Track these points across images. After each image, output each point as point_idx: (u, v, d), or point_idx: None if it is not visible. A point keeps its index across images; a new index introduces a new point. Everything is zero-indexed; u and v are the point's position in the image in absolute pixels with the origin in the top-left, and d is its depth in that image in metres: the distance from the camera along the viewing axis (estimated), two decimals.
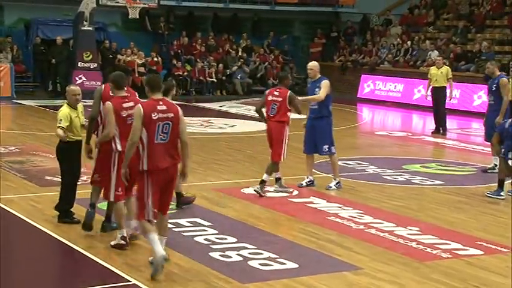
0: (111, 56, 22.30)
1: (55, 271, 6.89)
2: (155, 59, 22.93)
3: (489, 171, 11.31)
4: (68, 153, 7.90)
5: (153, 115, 6.28)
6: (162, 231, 6.48)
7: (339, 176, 10.14)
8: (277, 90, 9.61)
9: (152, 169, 6.25)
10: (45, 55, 22.10)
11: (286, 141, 9.56)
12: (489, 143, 11.37)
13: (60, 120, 7.80)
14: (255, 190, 9.53)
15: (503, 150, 9.79)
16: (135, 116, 6.33)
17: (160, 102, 6.41)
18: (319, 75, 10.04)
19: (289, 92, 9.55)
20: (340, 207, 9.00)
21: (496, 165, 10.89)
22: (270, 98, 9.59)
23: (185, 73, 23.56)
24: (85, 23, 21.10)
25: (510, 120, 9.93)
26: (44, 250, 7.37)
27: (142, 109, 6.31)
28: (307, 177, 10.11)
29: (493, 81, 11.56)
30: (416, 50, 23.60)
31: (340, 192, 9.88)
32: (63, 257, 7.26)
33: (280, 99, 9.51)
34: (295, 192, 9.77)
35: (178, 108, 6.58)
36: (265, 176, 9.52)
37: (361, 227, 8.16)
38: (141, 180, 6.33)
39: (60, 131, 7.79)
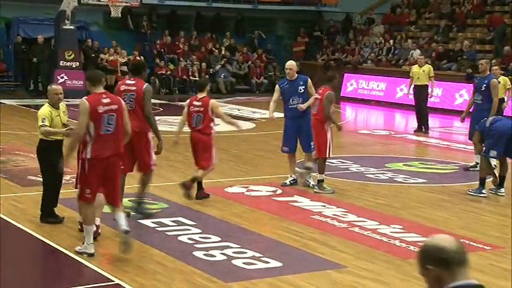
0: (93, 55, 22.19)
1: (38, 272, 6.84)
2: (138, 58, 22.82)
3: (471, 169, 11.39)
4: (48, 153, 7.85)
5: (99, 108, 6.64)
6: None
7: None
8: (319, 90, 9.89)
9: (95, 157, 6.61)
10: (27, 54, 21.93)
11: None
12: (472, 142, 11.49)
13: (44, 119, 7.75)
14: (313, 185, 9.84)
15: (484, 148, 9.86)
16: (82, 111, 6.64)
17: (104, 96, 6.79)
18: (297, 75, 10.07)
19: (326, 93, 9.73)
20: (324, 206, 9.03)
21: (477, 163, 10.96)
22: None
23: (168, 72, 23.50)
24: (67, 21, 20.97)
25: (491, 118, 10.00)
26: (26, 250, 7.32)
27: (88, 103, 6.65)
28: (291, 176, 10.13)
29: (483, 80, 11.52)
30: (399, 49, 23.71)
31: (322, 191, 9.89)
32: (45, 257, 7.21)
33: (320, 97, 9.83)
34: (279, 191, 9.78)
35: (121, 99, 7.06)
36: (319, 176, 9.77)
37: (345, 225, 8.18)
38: (82, 167, 6.69)
39: (44, 130, 7.75)
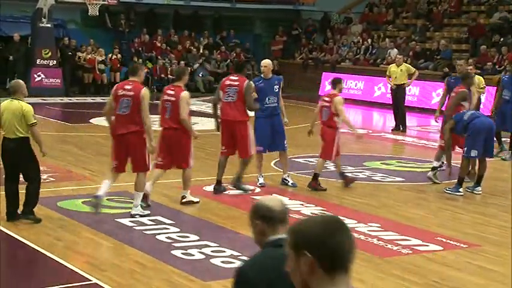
0: (70, 53, 22.01)
1: (14, 271, 6.77)
2: (114, 56, 22.71)
3: (439, 169, 11.40)
4: (31, 150, 7.84)
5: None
6: (135, 187, 8.19)
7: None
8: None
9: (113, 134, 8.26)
10: (2, 52, 21.69)
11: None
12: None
13: (33, 115, 7.73)
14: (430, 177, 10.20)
15: (465, 148, 9.87)
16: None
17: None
18: (271, 74, 10.06)
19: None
20: (302, 205, 9.05)
21: (443, 162, 11.01)
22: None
23: (146, 70, 23.36)
24: (43, 19, 20.78)
25: (470, 113, 10.02)
26: (3, 250, 7.24)
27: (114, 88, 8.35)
28: (261, 176, 10.13)
29: (460, 80, 11.56)
30: (376, 48, 23.85)
31: (302, 190, 9.93)
32: (22, 256, 7.14)
33: None
34: (258, 190, 9.79)
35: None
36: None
37: None
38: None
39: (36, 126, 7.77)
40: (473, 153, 9.71)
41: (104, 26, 24.34)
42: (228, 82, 9.57)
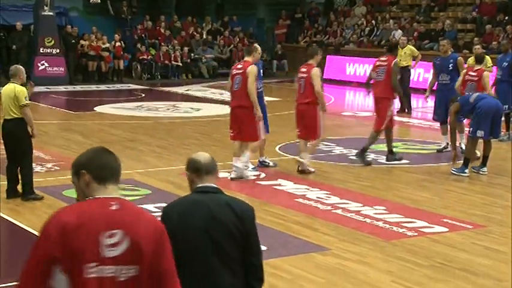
0: (73, 41, 21.97)
1: (18, 260, 6.78)
2: (118, 43, 22.66)
3: (444, 151, 11.39)
4: (27, 131, 8.17)
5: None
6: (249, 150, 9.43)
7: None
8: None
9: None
10: (5, 41, 21.66)
11: None
12: (438, 122, 11.57)
13: (26, 97, 7.98)
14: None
15: (471, 129, 9.84)
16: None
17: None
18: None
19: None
20: (308, 189, 9.04)
21: (448, 143, 11.03)
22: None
23: (150, 57, 23.34)
24: (45, 7, 20.74)
25: (475, 95, 9.96)
26: (8, 239, 7.26)
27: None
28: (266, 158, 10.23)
29: (447, 60, 11.50)
30: (380, 29, 23.70)
31: (308, 174, 9.90)
32: (28, 245, 7.14)
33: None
34: (263, 175, 9.77)
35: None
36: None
37: (328, 207, 8.20)
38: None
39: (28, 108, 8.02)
40: (479, 133, 9.66)
41: (106, 13, 24.27)
42: (378, 63, 10.59)
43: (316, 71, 9.64)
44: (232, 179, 9.31)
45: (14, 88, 8.03)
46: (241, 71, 9.29)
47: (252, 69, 9.23)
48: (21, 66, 8.44)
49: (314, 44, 25.19)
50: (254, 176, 9.59)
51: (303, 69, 9.88)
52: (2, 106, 8.22)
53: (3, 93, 8.17)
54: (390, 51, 11.10)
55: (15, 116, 8.05)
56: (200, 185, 3.42)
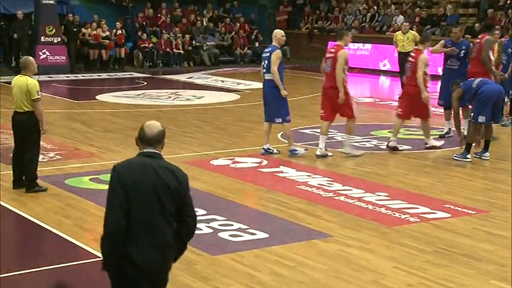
0: (75, 29, 21.93)
1: (22, 249, 6.82)
2: (119, 31, 22.60)
3: (446, 136, 11.38)
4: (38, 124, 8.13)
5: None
6: (346, 131, 10.20)
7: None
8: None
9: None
10: (6, 30, 21.62)
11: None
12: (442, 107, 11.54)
13: (38, 91, 7.97)
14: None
15: (472, 114, 9.83)
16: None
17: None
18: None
19: None
20: (310, 176, 9.04)
21: (450, 129, 11.03)
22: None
23: (151, 45, 23.28)
24: None
25: (478, 80, 9.93)
26: (12, 229, 7.29)
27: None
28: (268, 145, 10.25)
29: (459, 46, 11.46)
30: (382, 15, 23.61)
31: (310, 161, 9.91)
32: (31, 235, 7.19)
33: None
34: (265, 162, 9.78)
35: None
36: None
37: (331, 194, 8.21)
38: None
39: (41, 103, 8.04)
40: (481, 119, 9.64)
41: (107, 1, 24.19)
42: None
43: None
44: (317, 156, 9.97)
45: (26, 81, 7.96)
46: (332, 55, 9.85)
47: (343, 53, 9.78)
48: (31, 58, 8.30)
49: (316, 29, 25.20)
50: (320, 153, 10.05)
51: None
52: (13, 98, 8.18)
53: (14, 86, 8.11)
54: (487, 30, 11.57)
55: (27, 109, 8.01)
56: (145, 150, 3.95)
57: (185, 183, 3.93)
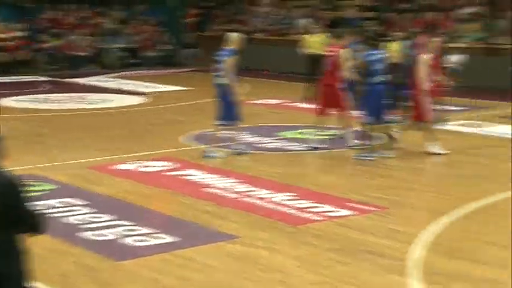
0: None
1: None
2: (20, 33, 21.86)
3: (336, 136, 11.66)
4: None
5: None
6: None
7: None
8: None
9: None
10: None
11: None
12: None
13: None
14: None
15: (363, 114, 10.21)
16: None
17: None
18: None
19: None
20: (217, 178, 9.03)
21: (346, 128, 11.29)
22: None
23: (54, 48, 22.65)
24: None
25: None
26: None
27: None
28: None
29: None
30: (288, 18, 23.94)
31: (218, 163, 9.90)
32: None
33: None
34: (172, 166, 9.69)
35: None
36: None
37: (237, 196, 8.22)
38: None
39: None
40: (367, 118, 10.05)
41: (7, 3, 23.36)
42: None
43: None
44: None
45: None
46: (334, 53, 10.47)
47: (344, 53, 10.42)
48: None
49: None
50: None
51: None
52: None
53: None
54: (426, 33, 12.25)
55: None
56: None
57: (9, 194, 3.41)
